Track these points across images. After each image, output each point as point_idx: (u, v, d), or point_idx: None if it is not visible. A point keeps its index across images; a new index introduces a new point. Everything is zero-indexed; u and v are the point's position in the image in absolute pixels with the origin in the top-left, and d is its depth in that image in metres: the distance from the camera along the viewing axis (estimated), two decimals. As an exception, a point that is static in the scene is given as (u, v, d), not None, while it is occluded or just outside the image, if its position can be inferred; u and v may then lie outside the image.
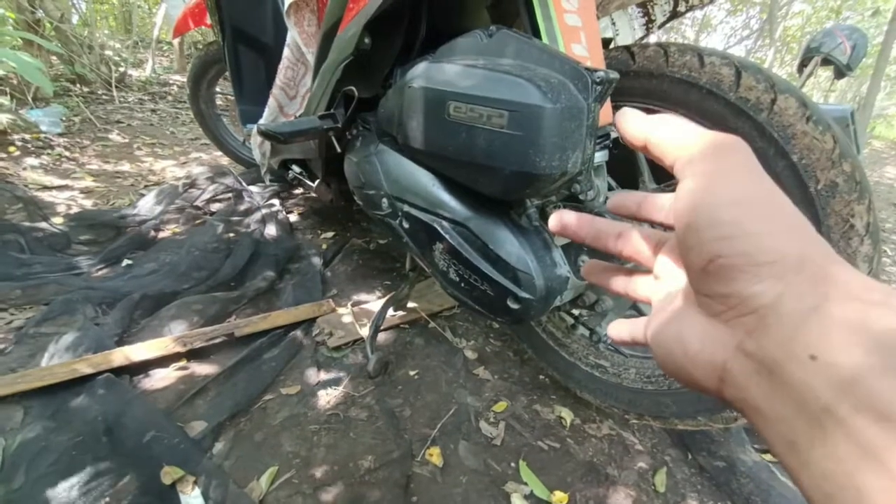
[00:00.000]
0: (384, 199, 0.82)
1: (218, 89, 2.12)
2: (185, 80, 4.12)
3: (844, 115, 0.69)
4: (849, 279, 0.16)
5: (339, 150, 0.95)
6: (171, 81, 4.12)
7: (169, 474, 0.75)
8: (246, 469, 0.80)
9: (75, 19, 3.72)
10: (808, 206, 0.59)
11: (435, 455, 0.85)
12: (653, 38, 0.88)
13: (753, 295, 0.17)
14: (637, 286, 0.27)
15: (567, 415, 0.98)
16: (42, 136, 2.30)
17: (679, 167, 0.20)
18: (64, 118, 2.57)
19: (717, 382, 0.18)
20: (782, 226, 0.17)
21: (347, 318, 1.20)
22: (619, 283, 0.27)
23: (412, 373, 1.05)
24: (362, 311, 1.24)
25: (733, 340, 0.18)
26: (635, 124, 0.23)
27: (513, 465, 0.86)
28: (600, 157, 0.67)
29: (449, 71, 0.62)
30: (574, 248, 0.69)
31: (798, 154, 0.58)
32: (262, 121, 1.27)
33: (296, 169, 1.36)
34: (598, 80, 0.54)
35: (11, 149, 2.09)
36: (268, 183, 1.89)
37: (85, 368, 0.92)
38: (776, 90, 0.59)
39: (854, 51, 2.42)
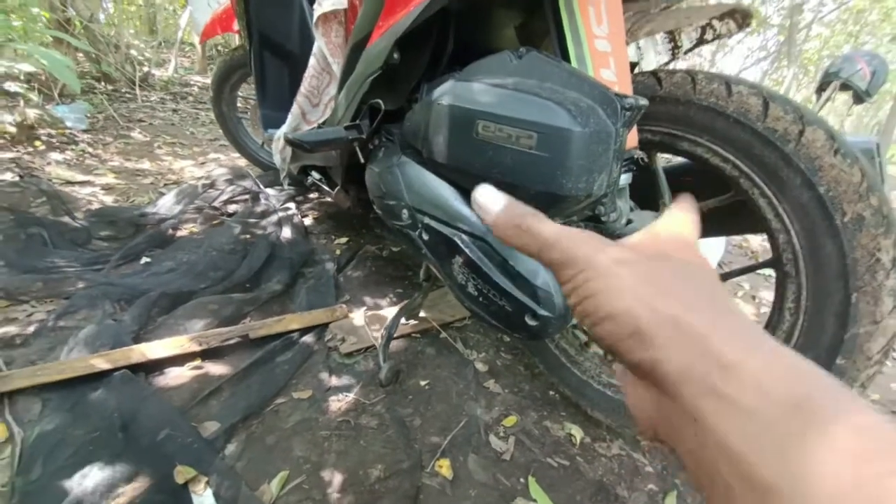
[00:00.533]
0: (404, 210, 0.83)
1: (240, 93, 2.16)
2: (206, 80, 4.20)
3: (870, 148, 0.69)
4: (709, 333, 0.17)
5: (362, 160, 0.97)
6: (192, 82, 4.21)
7: (182, 473, 0.76)
8: (257, 472, 0.80)
9: (102, 19, 3.82)
10: (833, 239, 0.60)
11: (445, 467, 0.85)
12: (676, 65, 0.90)
13: (639, 365, 0.18)
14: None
15: (577, 432, 0.98)
16: (67, 131, 2.36)
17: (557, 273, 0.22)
18: (88, 115, 2.64)
19: (653, 434, 0.19)
20: (633, 299, 0.18)
21: (360, 325, 1.20)
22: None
23: (423, 383, 1.05)
24: (374, 317, 1.25)
25: (653, 398, 0.19)
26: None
27: (522, 480, 0.86)
28: (624, 179, 0.68)
29: (479, 90, 0.63)
30: (594, 268, 0.69)
31: (825, 186, 0.59)
32: (285, 127, 1.29)
33: (315, 175, 1.38)
34: (627, 105, 0.55)
35: (37, 143, 2.14)
36: (285, 187, 1.92)
37: (102, 364, 0.94)
38: (804, 122, 0.60)
39: (874, 77, 2.42)
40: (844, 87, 2.51)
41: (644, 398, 0.19)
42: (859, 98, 2.56)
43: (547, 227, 0.22)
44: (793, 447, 0.13)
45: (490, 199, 0.24)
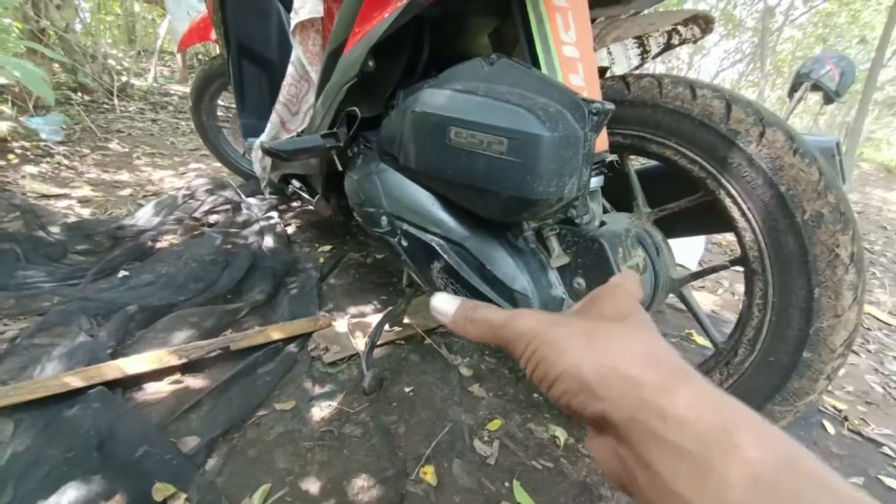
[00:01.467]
0: (384, 217, 0.84)
1: (220, 102, 2.14)
2: (186, 90, 4.16)
3: (830, 147, 0.72)
4: (645, 381, 0.18)
5: (340, 167, 0.97)
6: (171, 92, 4.16)
7: (161, 490, 0.75)
8: (239, 486, 0.79)
9: (77, 27, 3.76)
10: (795, 236, 0.61)
11: (429, 473, 0.85)
12: (654, 67, 0.92)
13: (593, 418, 0.19)
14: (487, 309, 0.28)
15: (561, 434, 0.98)
16: (42, 144, 2.31)
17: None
18: (64, 126, 2.59)
19: (620, 485, 0.20)
20: (576, 356, 0.20)
21: (344, 333, 1.20)
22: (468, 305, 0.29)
23: (407, 389, 1.05)
24: (358, 325, 1.24)
25: (612, 449, 0.20)
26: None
27: (506, 484, 0.86)
28: (596, 182, 0.69)
29: (451, 97, 0.64)
30: (570, 270, 0.70)
31: (785, 185, 0.61)
32: (264, 136, 1.29)
33: (296, 184, 1.37)
34: (594, 110, 0.56)
35: (11, 156, 2.10)
36: (267, 196, 1.91)
37: (78, 381, 0.91)
38: (764, 123, 0.62)
39: (842, 78, 2.51)
40: (815, 87, 2.60)
41: (605, 450, 0.20)
42: (829, 98, 2.65)
43: (495, 314, 0.24)
44: (720, 483, 0.15)
45: (444, 303, 0.27)
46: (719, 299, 1.82)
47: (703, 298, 1.80)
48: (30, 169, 2.04)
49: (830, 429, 1.15)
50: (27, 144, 2.24)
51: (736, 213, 0.67)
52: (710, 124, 0.65)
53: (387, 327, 1.17)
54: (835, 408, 1.23)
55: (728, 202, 0.67)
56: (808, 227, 0.60)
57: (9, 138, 2.19)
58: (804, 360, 0.64)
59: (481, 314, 0.25)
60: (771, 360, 0.68)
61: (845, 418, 1.19)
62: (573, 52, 0.66)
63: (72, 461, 0.78)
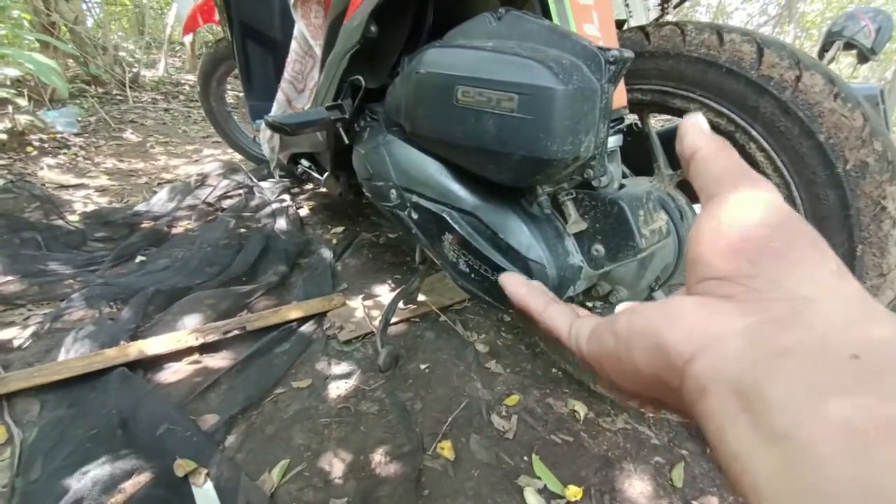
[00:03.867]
0: (393, 191, 0.81)
1: (228, 86, 2.13)
2: (195, 78, 4.16)
3: (874, 94, 0.66)
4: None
5: (346, 141, 0.94)
6: (183, 81, 4.17)
7: (182, 466, 0.76)
8: (258, 462, 0.80)
9: (89, 21, 3.78)
10: (835, 188, 0.56)
11: (446, 449, 0.84)
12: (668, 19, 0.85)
13: (796, 286, 0.15)
14: (555, 313, 0.25)
15: (581, 408, 0.96)
16: (58, 136, 2.35)
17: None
18: (79, 118, 2.62)
19: (693, 352, 0.15)
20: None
21: (358, 312, 1.19)
22: (539, 301, 0.27)
23: (423, 366, 1.04)
24: (373, 304, 1.23)
25: (743, 321, 0.15)
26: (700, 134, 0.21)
27: (525, 458, 0.85)
28: (614, 141, 0.65)
29: (456, 55, 0.60)
30: (587, 237, 0.67)
31: (825, 133, 0.55)
32: (270, 115, 1.27)
33: (305, 163, 1.35)
34: (611, 59, 0.52)
35: (29, 149, 2.13)
36: (278, 178, 1.90)
37: (99, 363, 0.93)
38: (801, 67, 0.56)
39: (878, 34, 2.34)
40: (848, 46, 2.43)
41: (723, 310, 0.16)
42: (864, 57, 2.48)
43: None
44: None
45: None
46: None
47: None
48: (48, 160, 2.07)
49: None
50: (45, 137, 2.28)
51: (768, 169, 0.62)
52: (740, 71, 0.60)
53: (401, 305, 1.16)
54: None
55: (759, 157, 0.62)
56: (850, 179, 0.55)
57: (27, 131, 2.23)
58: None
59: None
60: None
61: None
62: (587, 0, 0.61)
63: (96, 439, 0.79)
